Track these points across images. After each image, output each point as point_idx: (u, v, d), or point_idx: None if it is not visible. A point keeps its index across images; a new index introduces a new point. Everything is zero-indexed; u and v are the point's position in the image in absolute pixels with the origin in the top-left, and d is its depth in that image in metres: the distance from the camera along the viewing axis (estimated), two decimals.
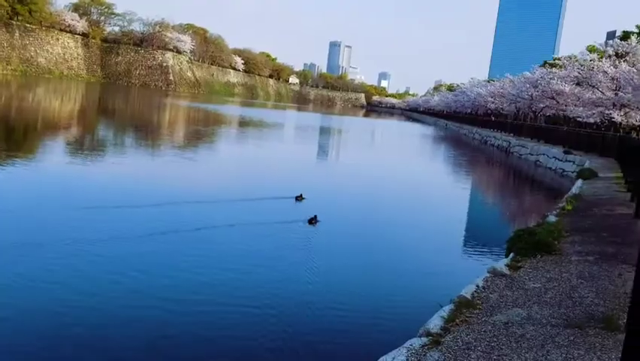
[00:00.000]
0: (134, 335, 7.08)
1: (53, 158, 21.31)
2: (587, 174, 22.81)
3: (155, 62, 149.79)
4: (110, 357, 6.51)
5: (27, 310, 7.41)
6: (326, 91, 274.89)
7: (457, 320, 5.85)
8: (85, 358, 6.44)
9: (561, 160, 33.96)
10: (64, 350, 6.58)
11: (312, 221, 13.61)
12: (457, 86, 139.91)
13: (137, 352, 6.72)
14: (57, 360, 6.45)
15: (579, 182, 21.01)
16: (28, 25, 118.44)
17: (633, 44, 47.11)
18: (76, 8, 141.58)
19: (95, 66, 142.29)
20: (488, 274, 7.72)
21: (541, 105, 60.19)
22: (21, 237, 10.22)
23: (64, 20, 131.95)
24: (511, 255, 9.02)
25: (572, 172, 29.27)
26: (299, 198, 16.32)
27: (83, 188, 15.90)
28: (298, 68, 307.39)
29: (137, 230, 11.67)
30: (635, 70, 41.25)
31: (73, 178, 17.53)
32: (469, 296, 6.63)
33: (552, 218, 12.16)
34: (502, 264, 8.17)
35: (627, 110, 43.21)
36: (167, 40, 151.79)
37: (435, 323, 5.78)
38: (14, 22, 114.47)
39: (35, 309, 7.48)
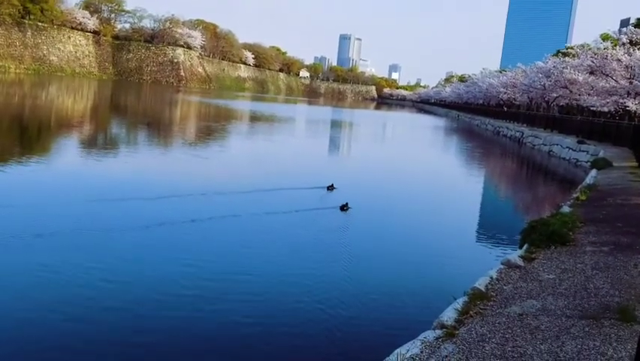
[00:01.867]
0: (164, 321, 7.25)
1: (68, 154, 21.53)
2: (601, 164, 22.61)
3: (166, 59, 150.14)
4: (133, 348, 6.60)
5: (36, 299, 7.54)
6: (337, 84, 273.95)
7: (471, 312, 5.85)
8: (108, 347, 6.53)
9: (575, 150, 33.65)
10: (87, 335, 6.67)
11: (344, 208, 14.33)
12: (469, 77, 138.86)
13: (164, 337, 6.85)
14: (83, 345, 6.52)
15: (593, 172, 20.83)
16: (40, 24, 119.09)
17: None
18: (87, 6, 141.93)
19: (107, 63, 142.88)
20: (502, 266, 7.70)
21: (554, 95, 59.56)
22: (38, 228, 10.38)
23: (76, 18, 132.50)
24: (525, 246, 8.98)
25: (586, 162, 29.01)
26: (330, 188, 17.14)
27: (123, 181, 16.56)
28: (309, 61, 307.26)
29: (176, 218, 12.24)
30: None
31: (103, 173, 17.90)
32: (483, 288, 6.62)
33: (566, 209, 12.09)
34: (516, 255, 8.15)
35: None
36: (177, 36, 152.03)
37: (449, 315, 5.79)
38: (26, 22, 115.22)
39: (47, 297, 7.60)
